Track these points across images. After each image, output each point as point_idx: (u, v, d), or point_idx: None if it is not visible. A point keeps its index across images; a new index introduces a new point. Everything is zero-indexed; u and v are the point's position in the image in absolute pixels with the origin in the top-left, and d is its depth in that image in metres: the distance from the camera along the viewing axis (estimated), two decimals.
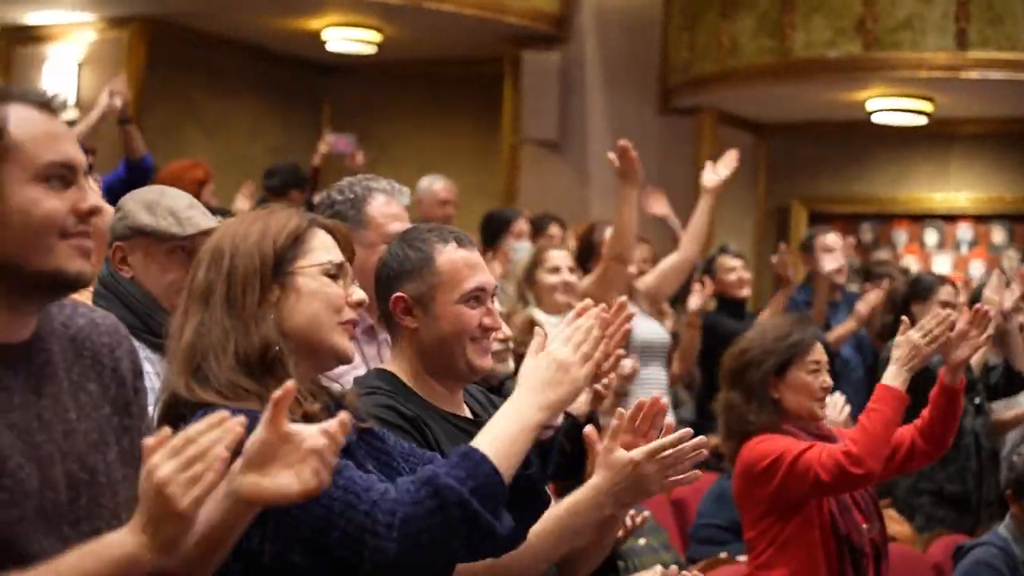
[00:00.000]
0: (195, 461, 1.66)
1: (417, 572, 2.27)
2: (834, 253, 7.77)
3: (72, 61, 11.21)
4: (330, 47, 11.71)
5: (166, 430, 1.70)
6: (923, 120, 10.96)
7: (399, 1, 10.52)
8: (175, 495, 1.64)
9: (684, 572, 3.59)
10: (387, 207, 3.80)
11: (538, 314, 5.67)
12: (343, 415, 1.81)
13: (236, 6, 11.11)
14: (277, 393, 1.76)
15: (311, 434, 1.76)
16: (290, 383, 1.79)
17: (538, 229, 7.94)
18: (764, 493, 4.22)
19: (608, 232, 6.87)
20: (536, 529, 2.64)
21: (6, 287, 1.89)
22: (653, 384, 6.56)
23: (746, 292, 7.72)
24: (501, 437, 2.24)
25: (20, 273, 1.89)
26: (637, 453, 2.67)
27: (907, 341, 4.18)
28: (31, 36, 11.42)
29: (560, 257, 6.14)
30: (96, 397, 2.06)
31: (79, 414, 2.00)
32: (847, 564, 4.19)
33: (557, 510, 2.80)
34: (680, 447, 2.67)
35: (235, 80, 12.43)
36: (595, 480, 2.77)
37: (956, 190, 11.85)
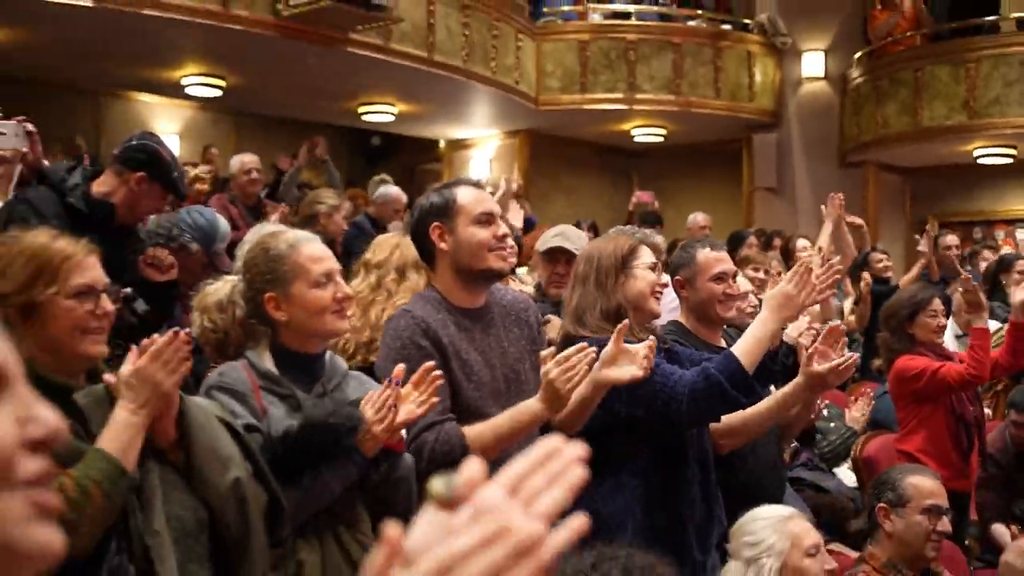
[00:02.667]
0: (570, 370, 2.59)
1: (701, 420, 3.27)
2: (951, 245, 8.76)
3: (486, 159, 13.43)
4: (636, 139, 13.55)
5: (552, 350, 2.79)
6: (1011, 160, 12.17)
7: (678, 109, 12.55)
8: (560, 386, 2.59)
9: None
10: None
11: None
12: (651, 340, 2.86)
13: (582, 120, 12.99)
14: (620, 327, 2.77)
15: (636, 349, 2.76)
16: (625, 321, 2.83)
17: (767, 242, 8.94)
18: (912, 389, 4.88)
19: (799, 241, 8.17)
20: (761, 406, 3.44)
21: (468, 280, 2.96)
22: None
23: (891, 274, 8.13)
24: (749, 341, 3.08)
25: (472, 272, 2.93)
26: (823, 368, 3.32)
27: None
28: (462, 145, 13.73)
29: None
30: (517, 336, 3.10)
31: (509, 344, 3.04)
32: (960, 431, 4.87)
33: (773, 397, 3.53)
34: (845, 363, 3.34)
35: (583, 164, 14.19)
36: (798, 380, 3.43)
37: None
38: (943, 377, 4.66)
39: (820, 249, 6.48)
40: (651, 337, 2.91)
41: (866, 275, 7.24)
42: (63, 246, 2.21)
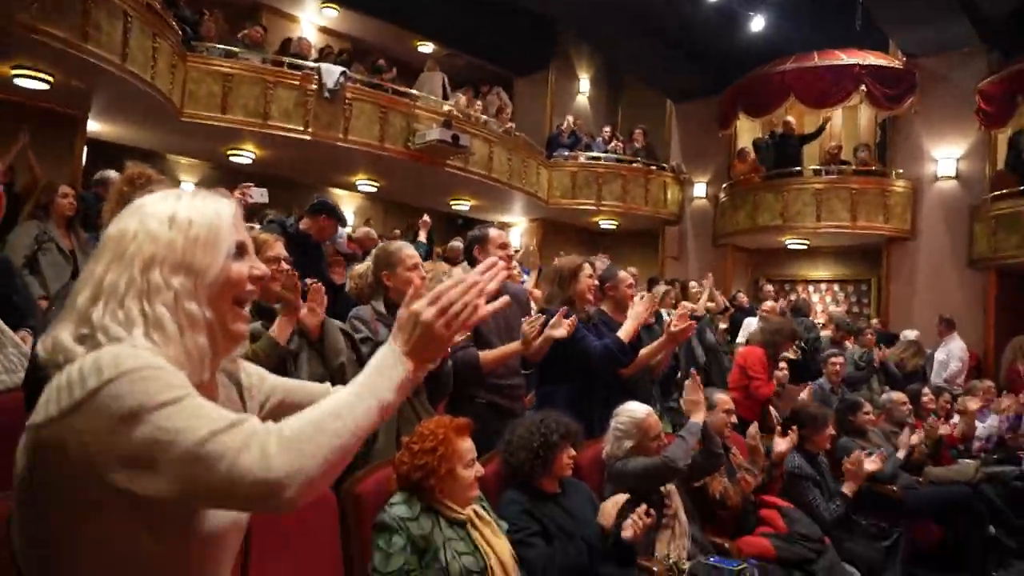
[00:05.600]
0: (533, 326, 2.73)
1: (603, 369, 3.12)
2: (769, 290, 8.81)
3: (519, 233, 12.77)
4: (601, 227, 12.74)
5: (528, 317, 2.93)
6: (806, 247, 11.30)
7: (624, 211, 12.02)
8: (528, 334, 2.73)
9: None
10: None
11: None
12: (573, 319, 2.85)
13: (571, 215, 12.31)
14: (561, 310, 3.08)
15: (567, 322, 2.80)
16: (564, 308, 2.94)
17: (672, 284, 7.99)
18: (746, 375, 4.56)
19: (691, 284, 7.99)
20: (643, 352, 3.42)
21: None
22: None
23: (747, 304, 7.91)
24: (626, 328, 3.11)
25: None
26: (675, 330, 3.32)
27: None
28: (507, 225, 12.61)
29: None
30: (515, 307, 2.99)
31: (509, 311, 2.74)
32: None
33: (649, 347, 3.48)
34: (684, 328, 3.36)
35: (571, 239, 12.66)
36: (663, 338, 3.41)
37: None
38: (754, 390, 4.53)
39: (703, 299, 6.65)
40: (573, 316, 2.96)
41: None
42: (265, 236, 2.46)
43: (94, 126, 8.14)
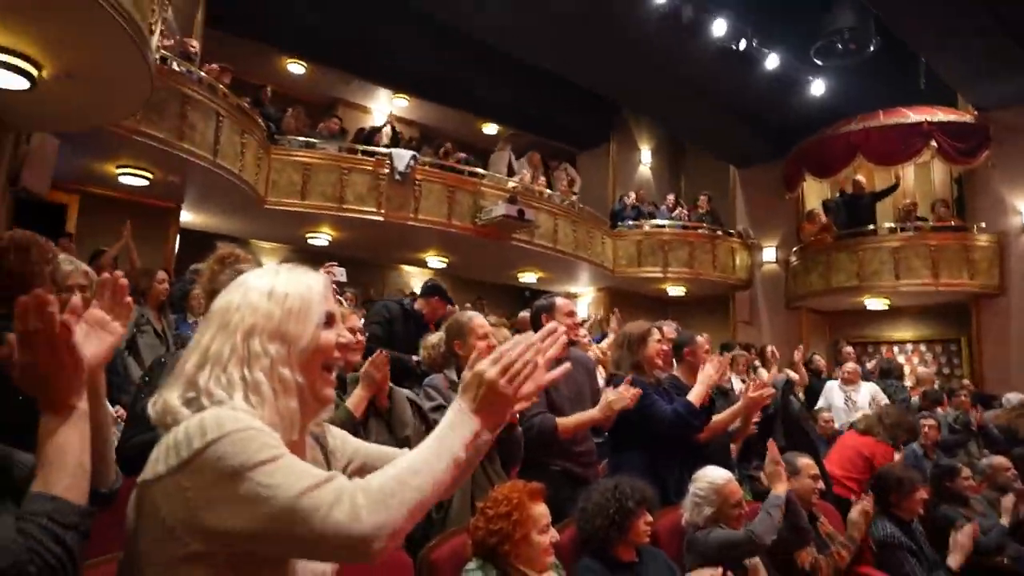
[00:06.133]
0: (620, 397, 2.68)
1: (673, 434, 3.06)
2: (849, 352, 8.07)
3: (586, 304, 12.83)
4: (669, 294, 12.59)
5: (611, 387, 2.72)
6: (886, 307, 10.88)
7: (692, 277, 11.83)
8: (615, 403, 2.67)
9: None
10: None
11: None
12: (637, 389, 2.76)
13: (638, 284, 12.09)
14: (627, 378, 2.84)
15: (632, 391, 2.73)
16: (629, 376, 2.88)
17: (747, 348, 7.86)
18: (868, 465, 4.33)
19: (768, 347, 7.53)
20: (718, 419, 3.34)
21: None
22: None
23: (824, 371, 7.94)
24: (697, 391, 3.05)
25: None
26: (750, 398, 3.34)
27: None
28: (573, 295, 12.65)
29: None
30: (582, 373, 3.05)
31: (579, 377, 3.01)
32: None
33: (725, 413, 3.42)
34: (760, 397, 3.33)
35: (639, 308, 12.23)
36: (739, 404, 3.37)
37: None
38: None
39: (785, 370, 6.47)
40: (634, 387, 2.91)
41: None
42: (343, 310, 2.50)
43: (186, 216, 8.74)
